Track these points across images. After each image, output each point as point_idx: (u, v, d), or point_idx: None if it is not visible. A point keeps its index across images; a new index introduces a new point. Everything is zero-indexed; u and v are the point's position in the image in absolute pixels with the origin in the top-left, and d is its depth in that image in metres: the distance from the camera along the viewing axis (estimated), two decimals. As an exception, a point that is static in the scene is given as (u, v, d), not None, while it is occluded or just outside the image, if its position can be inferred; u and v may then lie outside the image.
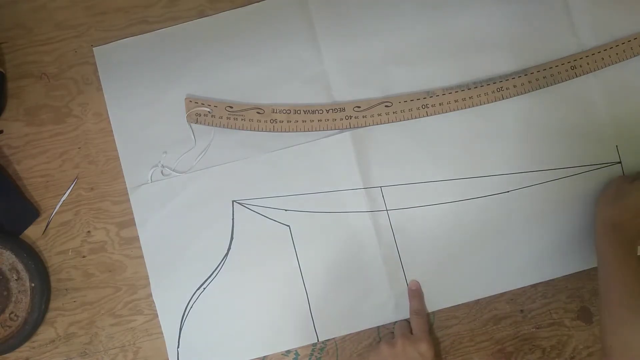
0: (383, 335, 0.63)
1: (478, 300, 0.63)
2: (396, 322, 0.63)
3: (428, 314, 0.63)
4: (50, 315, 0.64)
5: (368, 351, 0.62)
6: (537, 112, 0.64)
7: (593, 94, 0.64)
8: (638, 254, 0.56)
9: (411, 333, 0.60)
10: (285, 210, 0.64)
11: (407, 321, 0.62)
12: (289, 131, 0.64)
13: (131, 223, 0.64)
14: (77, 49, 0.66)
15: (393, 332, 0.62)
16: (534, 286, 0.63)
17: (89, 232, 0.65)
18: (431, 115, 0.63)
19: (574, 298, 0.63)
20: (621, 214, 0.57)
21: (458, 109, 0.63)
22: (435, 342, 0.63)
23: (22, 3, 0.66)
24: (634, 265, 0.55)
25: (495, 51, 0.64)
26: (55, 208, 0.65)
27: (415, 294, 0.62)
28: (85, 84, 0.66)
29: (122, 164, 0.65)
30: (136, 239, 0.64)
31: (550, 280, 0.63)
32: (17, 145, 0.66)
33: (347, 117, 0.64)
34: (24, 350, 0.64)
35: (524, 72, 0.63)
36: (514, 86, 0.63)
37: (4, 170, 0.65)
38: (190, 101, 0.64)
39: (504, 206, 0.63)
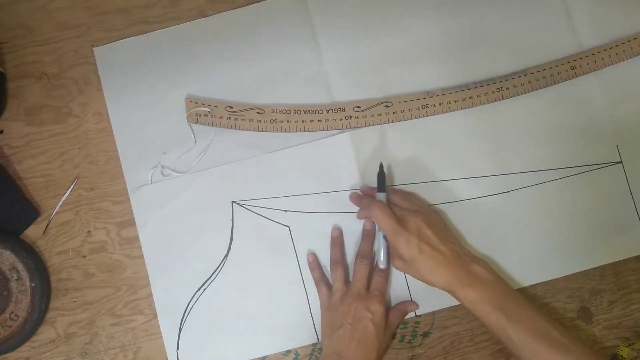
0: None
1: (478, 300, 0.63)
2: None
3: (390, 274, 0.62)
4: (50, 315, 0.64)
5: (328, 304, 0.61)
6: (537, 112, 0.64)
7: (593, 94, 0.64)
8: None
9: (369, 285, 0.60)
10: (285, 210, 0.64)
11: (368, 268, 0.61)
12: (289, 131, 0.64)
13: (131, 223, 0.64)
14: (77, 49, 0.66)
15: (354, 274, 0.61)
16: (534, 286, 0.63)
17: (89, 232, 0.65)
18: (431, 115, 0.63)
19: (574, 298, 0.63)
20: (430, 282, 0.56)
21: (458, 109, 0.63)
22: (434, 343, 0.63)
23: (22, 3, 0.66)
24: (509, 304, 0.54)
25: (495, 51, 0.64)
26: (55, 208, 0.65)
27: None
28: (85, 84, 0.66)
29: (122, 164, 0.65)
30: (136, 239, 0.64)
31: (550, 280, 0.63)
32: (17, 145, 0.66)
33: (347, 117, 0.64)
34: (24, 350, 0.64)
35: (524, 72, 0.63)
36: (514, 86, 0.63)
37: (4, 170, 0.65)
38: (190, 101, 0.64)
39: (504, 206, 0.63)
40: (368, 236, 0.62)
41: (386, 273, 0.61)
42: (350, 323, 0.58)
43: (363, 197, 0.62)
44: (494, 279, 0.56)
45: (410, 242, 0.55)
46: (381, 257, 0.60)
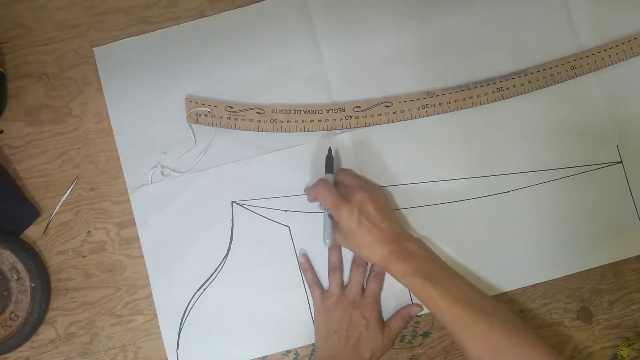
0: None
1: (478, 300, 0.63)
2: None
3: (384, 277, 0.62)
4: (50, 315, 0.64)
5: (323, 307, 0.61)
6: (537, 112, 0.64)
7: (593, 94, 0.64)
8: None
9: (364, 289, 0.62)
10: (285, 210, 0.64)
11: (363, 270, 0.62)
12: (289, 131, 0.64)
13: (131, 223, 0.64)
14: (77, 49, 0.66)
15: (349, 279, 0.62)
16: (534, 286, 0.63)
17: (89, 232, 0.65)
18: (431, 115, 0.63)
19: (574, 298, 0.63)
20: (366, 255, 0.57)
21: (458, 109, 0.63)
22: (434, 343, 0.63)
23: (22, 3, 0.66)
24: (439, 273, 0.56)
25: (495, 51, 0.64)
26: (55, 208, 0.65)
27: None
28: (85, 84, 0.66)
29: (122, 164, 0.65)
30: (136, 239, 0.64)
31: (550, 280, 0.63)
32: (17, 145, 0.66)
33: (347, 117, 0.64)
34: (24, 350, 0.64)
35: (524, 72, 0.63)
36: (514, 86, 0.63)
37: (4, 170, 0.65)
38: (190, 101, 0.64)
39: (504, 206, 0.63)
40: None
41: (380, 279, 0.62)
42: (346, 329, 0.59)
43: (312, 186, 0.62)
44: (426, 253, 0.58)
45: (351, 214, 0.56)
46: (325, 234, 0.60)
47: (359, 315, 0.60)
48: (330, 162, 0.62)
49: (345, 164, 0.64)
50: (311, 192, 0.61)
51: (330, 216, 0.60)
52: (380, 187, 0.63)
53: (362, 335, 0.59)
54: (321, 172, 0.63)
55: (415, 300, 0.63)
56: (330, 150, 0.62)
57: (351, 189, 0.58)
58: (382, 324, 0.61)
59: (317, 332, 0.62)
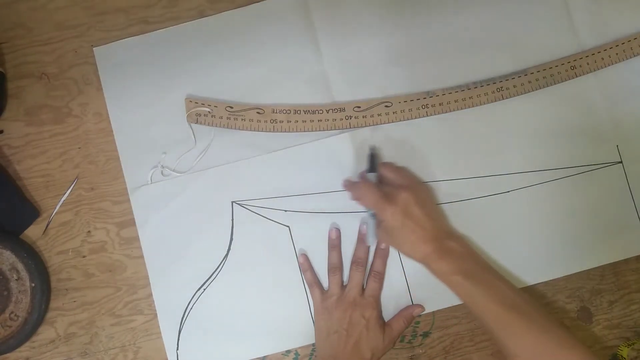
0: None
1: (478, 300, 0.63)
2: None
3: (383, 277, 0.62)
4: (50, 315, 0.64)
5: (322, 306, 0.61)
6: (537, 112, 0.64)
7: (593, 94, 0.64)
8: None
9: (364, 289, 0.62)
10: (285, 210, 0.64)
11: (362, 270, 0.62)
12: (289, 131, 0.64)
13: (131, 223, 0.64)
14: (77, 49, 0.66)
15: (349, 279, 0.62)
16: (534, 286, 0.63)
17: (89, 232, 0.65)
18: (431, 115, 0.63)
19: (574, 298, 0.63)
20: (407, 253, 0.58)
21: (458, 109, 0.63)
22: (434, 343, 0.63)
23: (22, 3, 0.66)
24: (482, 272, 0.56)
25: (495, 51, 0.64)
26: (55, 208, 0.65)
27: (381, 253, 0.63)
28: (85, 84, 0.66)
29: (122, 164, 0.65)
30: (136, 239, 0.64)
31: (550, 280, 0.63)
32: (17, 145, 0.66)
33: (347, 117, 0.64)
34: (24, 350, 0.64)
35: (524, 72, 0.63)
36: (514, 86, 0.63)
37: (4, 170, 0.65)
38: (190, 101, 0.64)
39: (504, 206, 0.63)
40: (364, 241, 0.62)
41: (380, 278, 0.62)
42: (346, 329, 0.59)
43: (354, 182, 0.62)
44: (467, 251, 0.57)
45: (395, 215, 0.56)
46: (369, 234, 0.61)
47: (359, 315, 0.60)
48: (373, 160, 0.62)
49: (345, 164, 0.64)
50: (353, 192, 0.61)
51: (373, 215, 0.60)
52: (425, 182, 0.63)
53: (363, 335, 0.59)
54: (321, 172, 0.63)
55: (416, 301, 0.63)
56: (373, 148, 0.62)
57: (395, 189, 0.58)
58: (383, 323, 0.61)
59: (317, 332, 0.62)
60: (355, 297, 0.61)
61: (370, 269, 0.62)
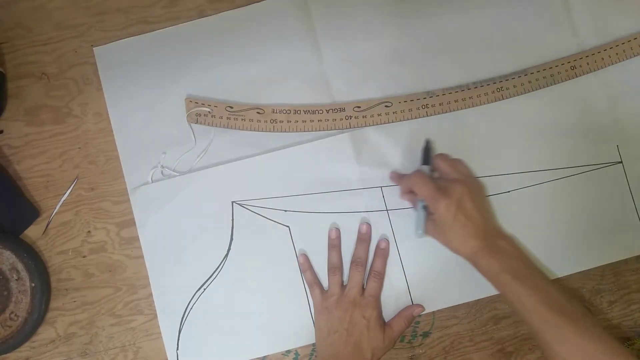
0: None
1: (478, 300, 0.63)
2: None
3: (384, 277, 0.62)
4: (50, 315, 0.64)
5: (323, 306, 0.61)
6: (537, 112, 0.64)
7: (593, 94, 0.64)
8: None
9: (364, 289, 0.62)
10: (285, 210, 0.64)
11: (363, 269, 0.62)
12: (289, 131, 0.64)
13: (131, 223, 0.64)
14: (77, 49, 0.66)
15: (348, 280, 0.62)
16: (534, 286, 0.63)
17: (89, 232, 0.65)
18: (431, 115, 0.63)
19: (574, 298, 0.63)
20: (455, 248, 0.58)
21: (458, 109, 0.63)
22: (434, 343, 0.63)
23: (22, 3, 0.66)
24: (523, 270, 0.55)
25: (495, 51, 0.64)
26: (55, 208, 0.65)
27: (381, 253, 0.62)
28: (85, 84, 0.66)
29: (122, 164, 0.65)
30: (136, 239, 0.64)
31: (551, 280, 0.63)
32: (17, 145, 0.66)
33: (347, 117, 0.64)
34: (24, 350, 0.64)
35: (524, 72, 0.63)
36: (514, 86, 0.63)
37: (4, 170, 0.65)
38: (190, 101, 0.64)
39: (504, 206, 0.63)
40: (363, 241, 0.63)
41: (380, 278, 0.62)
42: (346, 329, 0.59)
43: (404, 175, 0.62)
44: (516, 252, 0.57)
45: (449, 208, 0.56)
46: (419, 227, 0.60)
47: (359, 315, 0.60)
48: (427, 153, 0.61)
49: (345, 164, 0.64)
50: (405, 183, 0.61)
51: (425, 208, 0.59)
52: (477, 178, 0.63)
53: (363, 335, 0.59)
54: (321, 172, 0.63)
55: (416, 301, 0.63)
56: (428, 141, 0.62)
57: (450, 182, 0.58)
58: (383, 323, 0.61)
59: (318, 331, 0.62)
60: (355, 297, 0.61)
61: (370, 268, 0.62)
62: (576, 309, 0.53)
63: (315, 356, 0.63)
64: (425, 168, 0.61)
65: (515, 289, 0.54)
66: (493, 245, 0.56)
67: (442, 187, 0.57)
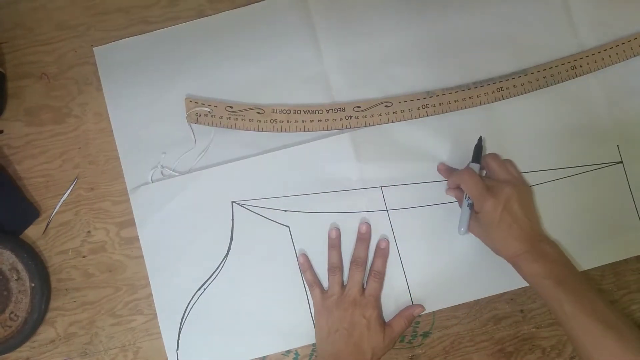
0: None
1: (478, 300, 0.63)
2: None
3: (384, 277, 0.62)
4: (50, 315, 0.64)
5: (323, 306, 0.61)
6: (537, 112, 0.64)
7: (593, 94, 0.64)
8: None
9: (364, 289, 0.62)
10: (285, 210, 0.64)
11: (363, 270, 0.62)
12: (289, 131, 0.64)
13: (131, 223, 0.64)
14: (77, 49, 0.66)
15: (348, 279, 0.62)
16: (534, 286, 0.63)
17: (89, 232, 0.65)
18: (431, 115, 0.63)
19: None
20: (497, 249, 0.58)
21: (458, 109, 0.63)
22: (434, 343, 0.63)
23: (22, 3, 0.66)
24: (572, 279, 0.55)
25: (495, 51, 0.64)
26: (55, 208, 0.65)
27: (381, 253, 0.63)
28: (85, 84, 0.66)
29: (122, 164, 0.65)
30: (136, 239, 0.64)
31: (550, 280, 0.63)
32: (17, 145, 0.66)
33: (347, 117, 0.64)
34: (24, 350, 0.64)
35: (524, 72, 0.63)
36: (514, 86, 0.63)
37: (4, 170, 0.65)
38: (190, 101, 0.64)
39: (504, 206, 0.63)
40: (363, 240, 0.63)
41: (380, 278, 0.62)
42: (347, 328, 0.59)
43: (453, 168, 0.62)
44: (561, 258, 0.56)
45: (495, 208, 0.56)
46: (462, 225, 0.60)
47: (359, 315, 0.60)
48: (479, 151, 0.61)
49: (345, 164, 0.64)
50: (454, 179, 0.60)
51: (470, 205, 0.59)
52: (527, 184, 0.62)
53: (364, 335, 0.59)
54: (321, 172, 0.63)
55: (416, 301, 0.63)
56: (480, 139, 0.62)
57: (499, 183, 0.58)
58: (383, 323, 0.61)
59: (318, 331, 0.61)
60: (355, 297, 0.61)
61: (370, 268, 0.62)
62: (621, 321, 0.52)
63: (316, 356, 0.63)
64: (475, 166, 0.60)
65: (558, 295, 0.53)
66: (537, 250, 0.56)
67: (491, 186, 0.57)
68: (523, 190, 0.59)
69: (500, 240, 0.57)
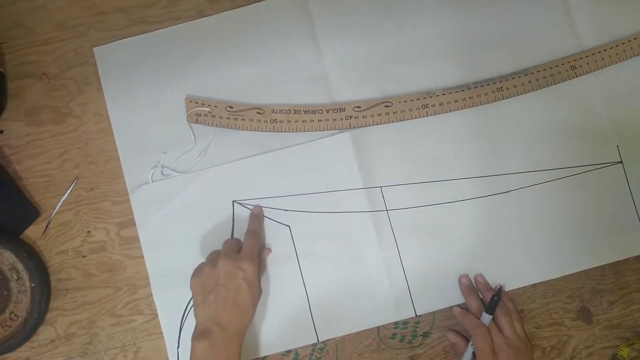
0: (383, 335, 0.63)
1: (478, 300, 0.63)
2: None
3: (260, 236, 0.62)
4: (50, 315, 0.64)
5: (193, 273, 0.58)
6: (537, 112, 0.64)
7: (593, 94, 0.64)
8: None
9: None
10: (285, 210, 0.64)
11: (237, 240, 0.61)
12: (289, 131, 0.64)
13: (131, 223, 0.64)
14: (77, 49, 0.66)
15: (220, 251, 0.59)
16: (534, 286, 0.63)
17: (89, 232, 0.65)
18: (431, 115, 0.63)
19: (574, 298, 0.63)
20: None
21: (458, 109, 0.63)
22: (434, 343, 0.63)
23: (22, 3, 0.66)
24: None
25: (495, 51, 0.64)
26: (55, 208, 0.65)
27: (256, 217, 0.62)
28: (85, 84, 0.66)
29: (122, 164, 0.65)
30: (136, 239, 0.64)
31: (550, 280, 0.63)
32: (17, 145, 0.66)
33: (347, 117, 0.64)
34: (24, 350, 0.64)
35: (524, 72, 0.63)
36: (514, 86, 0.63)
37: (4, 170, 0.65)
38: (190, 101, 0.64)
39: (504, 206, 0.63)
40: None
41: (256, 236, 0.60)
42: (223, 284, 0.55)
43: (468, 315, 0.61)
44: None
45: None
46: None
47: (234, 267, 0.56)
48: (495, 303, 0.60)
49: (345, 164, 0.64)
50: (465, 323, 0.60)
51: (474, 354, 0.59)
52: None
53: (242, 288, 0.55)
54: (321, 172, 0.63)
55: (416, 301, 0.63)
56: (500, 290, 0.60)
57: (504, 346, 0.58)
58: (259, 278, 0.58)
59: (194, 297, 0.57)
60: (228, 252, 0.57)
61: (246, 230, 0.61)
62: None
63: (316, 357, 0.63)
64: (487, 319, 0.59)
65: None
66: None
67: (498, 345, 0.58)
68: (523, 354, 0.59)
69: None
